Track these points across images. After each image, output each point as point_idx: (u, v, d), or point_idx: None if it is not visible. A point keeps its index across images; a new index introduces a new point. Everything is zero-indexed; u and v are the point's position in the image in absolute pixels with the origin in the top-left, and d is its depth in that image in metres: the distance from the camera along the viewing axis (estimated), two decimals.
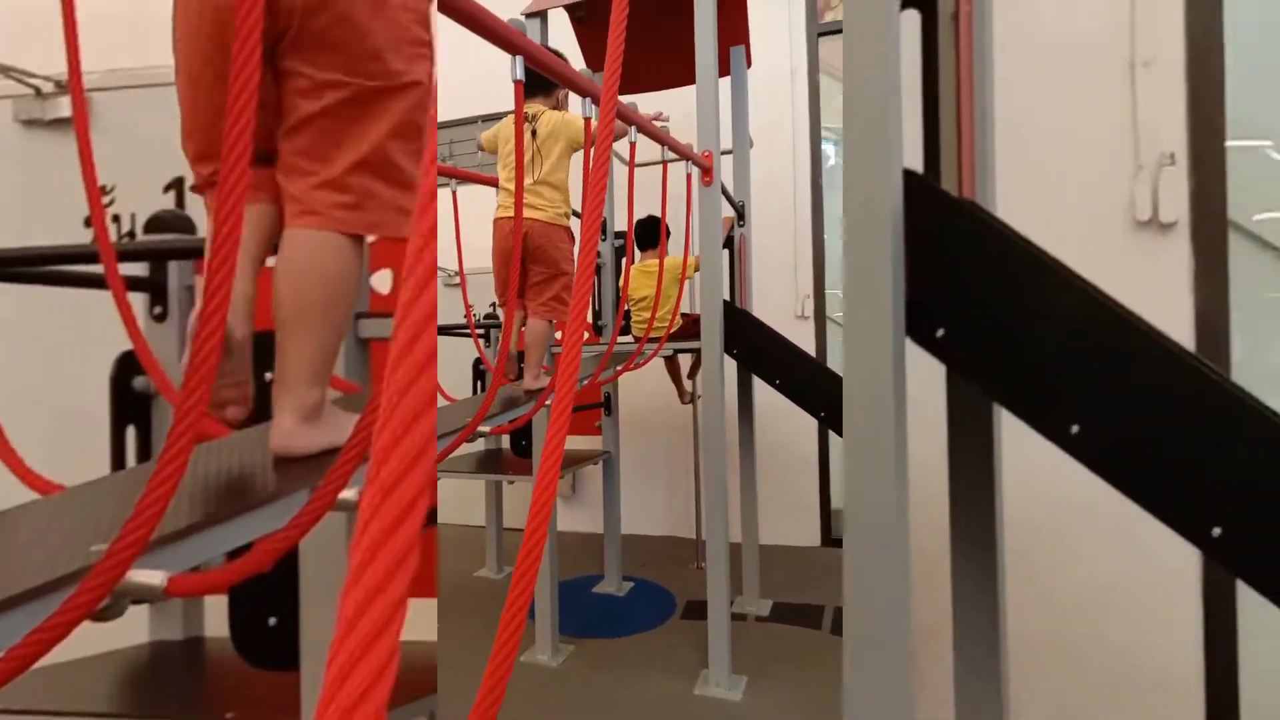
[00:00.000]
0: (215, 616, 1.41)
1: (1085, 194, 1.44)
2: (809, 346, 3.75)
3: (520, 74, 1.13)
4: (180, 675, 1.27)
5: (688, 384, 3.47)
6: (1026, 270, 0.71)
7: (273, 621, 1.03)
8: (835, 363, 3.89)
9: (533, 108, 1.98)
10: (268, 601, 1.03)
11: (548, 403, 1.87)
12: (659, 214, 2.36)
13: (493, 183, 2.20)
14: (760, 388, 2.85)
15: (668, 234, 2.68)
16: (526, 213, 1.85)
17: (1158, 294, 1.39)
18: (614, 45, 0.62)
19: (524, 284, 1.92)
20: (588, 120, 1.55)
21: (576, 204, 2.04)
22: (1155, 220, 1.39)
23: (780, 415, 3.29)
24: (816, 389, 2.55)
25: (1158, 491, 0.66)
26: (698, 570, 3.36)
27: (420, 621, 1.16)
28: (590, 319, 3.00)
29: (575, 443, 3.47)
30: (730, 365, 2.50)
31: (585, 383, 1.93)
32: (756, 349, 2.58)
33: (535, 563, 0.46)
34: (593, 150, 0.71)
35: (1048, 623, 1.48)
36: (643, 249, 2.95)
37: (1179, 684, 1.39)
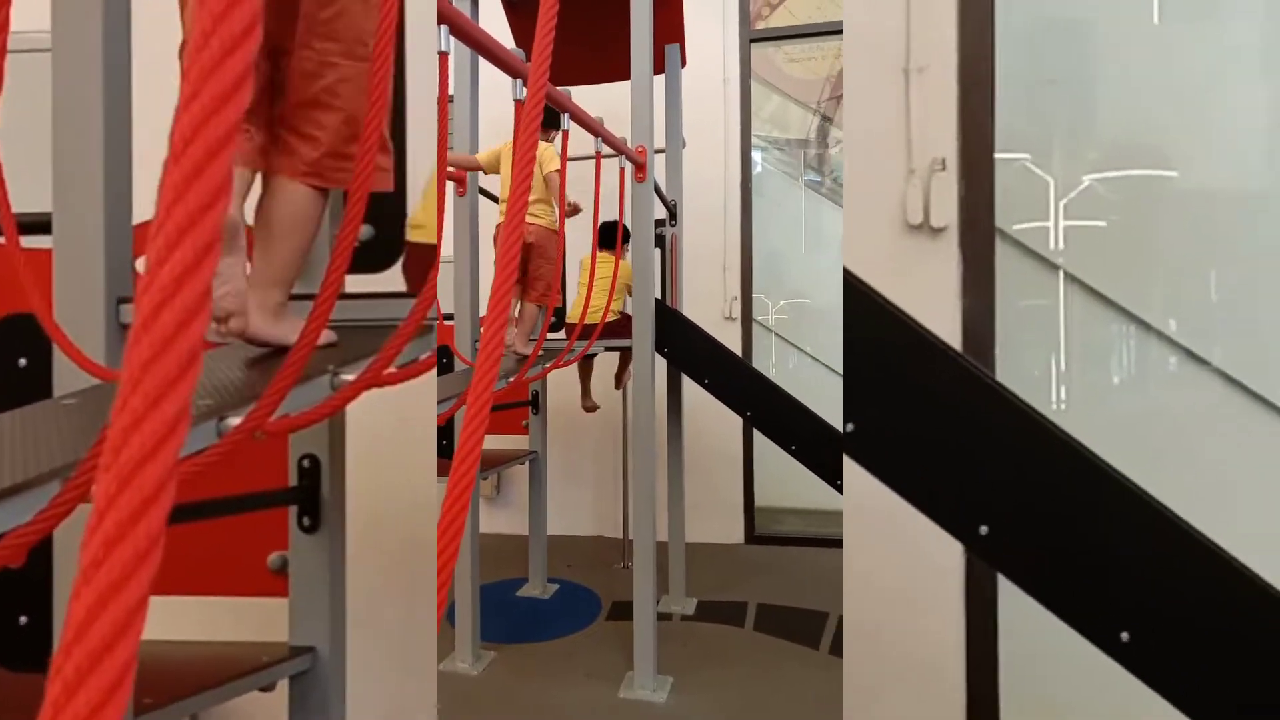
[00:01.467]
0: None
1: (860, 197, 1.46)
2: (736, 348, 3.82)
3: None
4: None
5: (594, 395, 3.44)
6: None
7: (24, 620, 0.98)
8: (761, 364, 3.97)
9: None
10: (18, 598, 0.97)
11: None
12: (591, 211, 2.32)
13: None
14: (686, 386, 2.86)
15: (626, 237, 2.66)
16: (530, 220, 2.40)
17: (928, 297, 1.40)
18: (543, 27, 0.58)
19: (521, 277, 2.42)
20: (518, 104, 1.49)
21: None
22: (926, 225, 1.39)
23: (707, 414, 3.33)
24: (743, 389, 2.59)
25: (931, 493, 0.68)
26: (624, 570, 3.34)
27: (197, 621, 1.11)
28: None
29: (501, 442, 3.37)
30: (659, 364, 2.50)
31: (514, 378, 1.87)
32: (687, 348, 2.59)
33: (449, 572, 0.42)
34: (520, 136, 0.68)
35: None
36: (601, 248, 2.91)
37: (944, 671, 1.43)
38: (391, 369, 0.70)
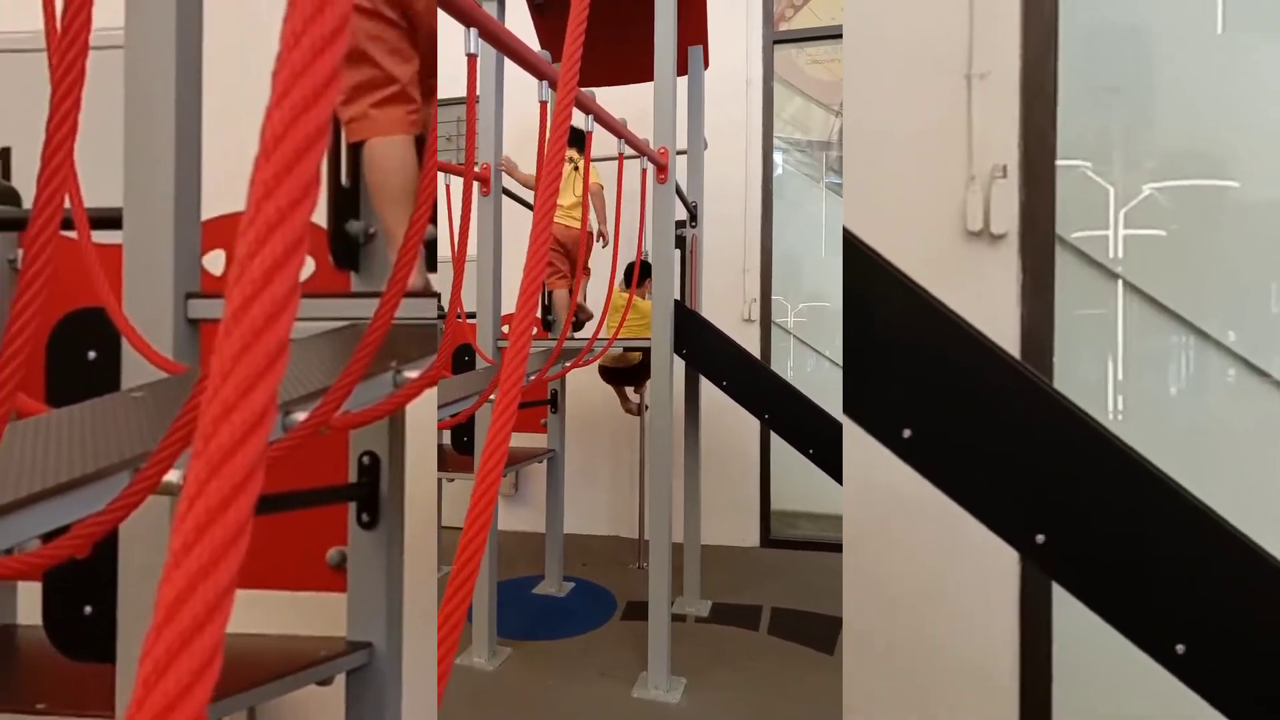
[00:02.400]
0: (29, 603, 1.30)
1: (920, 203, 1.45)
2: (754, 350, 3.80)
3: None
4: None
5: (633, 396, 3.46)
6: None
7: (89, 610, 0.99)
8: (779, 366, 3.96)
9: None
10: (84, 589, 0.98)
11: (492, 397, 1.81)
12: (613, 211, 2.33)
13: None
14: (704, 388, 2.86)
15: (646, 272, 2.73)
16: (567, 223, 2.83)
17: (987, 304, 1.40)
18: (573, 32, 0.59)
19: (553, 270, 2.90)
20: (543, 104, 1.50)
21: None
22: (986, 231, 1.39)
23: (724, 416, 3.32)
24: (762, 391, 2.58)
25: (987, 499, 0.68)
26: (639, 570, 3.35)
27: (257, 614, 1.11)
28: (540, 314, 2.94)
29: (519, 440, 3.40)
30: (678, 365, 2.50)
31: (533, 378, 1.88)
32: (705, 350, 2.59)
33: (474, 566, 0.43)
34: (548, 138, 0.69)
35: (880, 616, 1.50)
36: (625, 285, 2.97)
37: (998, 678, 1.41)
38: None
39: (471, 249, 2.33)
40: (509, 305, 2.45)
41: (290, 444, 0.63)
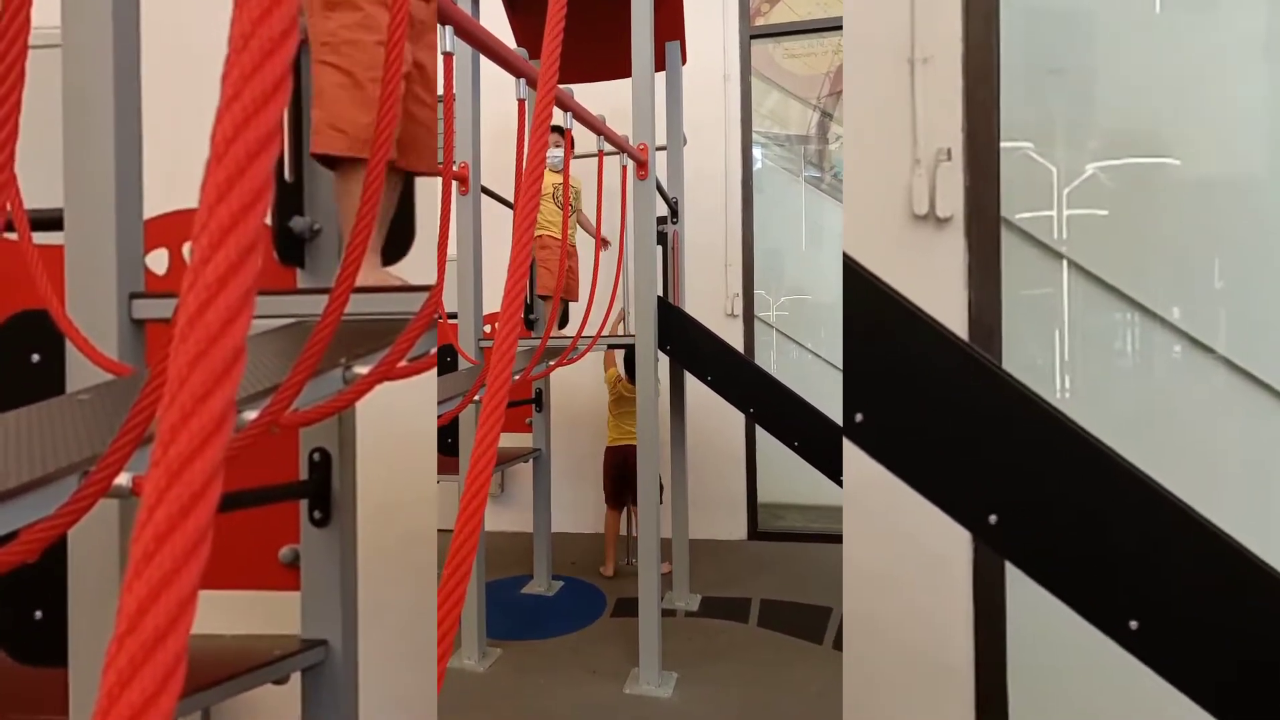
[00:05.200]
0: None
1: (866, 187, 1.46)
2: (738, 344, 3.82)
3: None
4: None
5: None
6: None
7: (39, 615, 0.98)
8: (763, 360, 3.98)
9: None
10: (34, 594, 0.97)
11: (477, 398, 1.80)
12: (594, 208, 2.32)
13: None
14: (689, 384, 2.86)
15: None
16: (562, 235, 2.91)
17: (934, 287, 1.40)
18: (552, 28, 0.58)
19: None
20: (520, 102, 1.49)
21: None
22: (932, 214, 1.39)
23: (709, 410, 3.33)
24: (746, 386, 2.59)
25: (939, 482, 0.68)
26: (628, 566, 3.35)
27: (209, 614, 1.11)
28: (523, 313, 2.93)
29: (505, 440, 3.36)
30: (662, 361, 2.50)
31: (518, 377, 1.87)
32: (689, 345, 2.59)
33: (466, 569, 0.42)
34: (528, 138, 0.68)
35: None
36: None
37: (952, 667, 1.41)
38: (404, 363, 0.71)
39: (451, 249, 2.31)
40: (490, 305, 2.43)
41: (241, 444, 0.62)
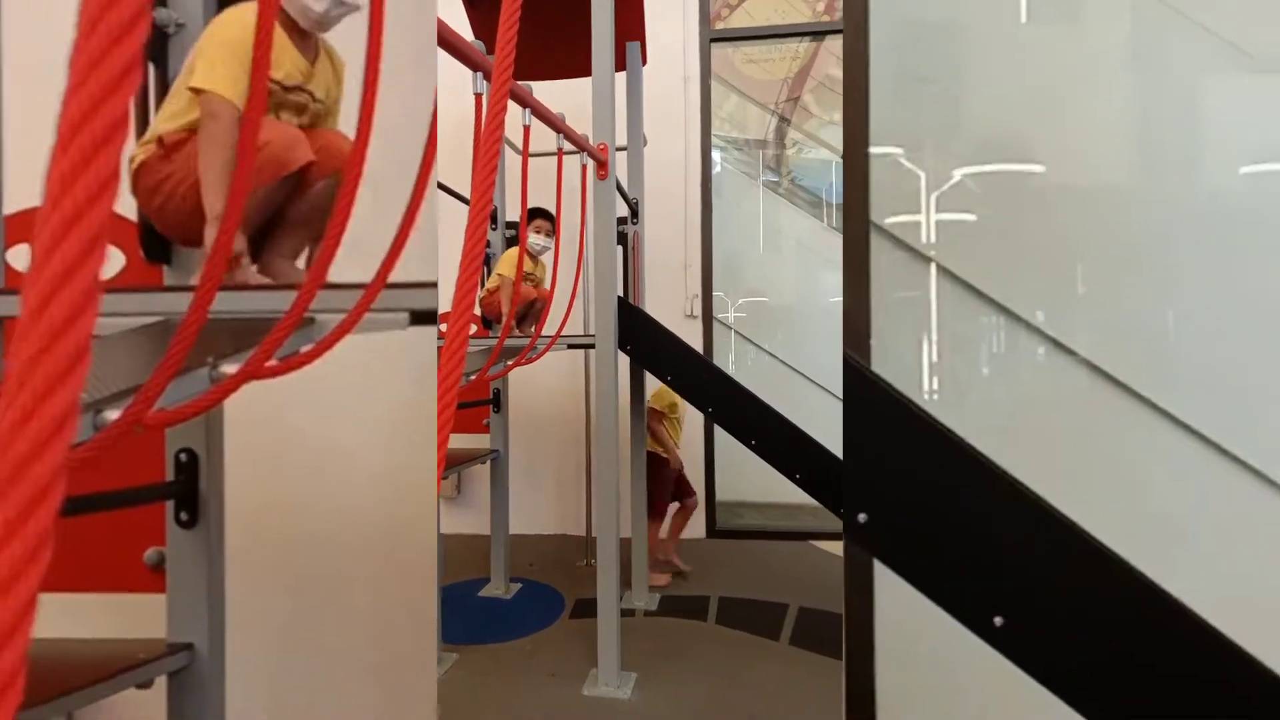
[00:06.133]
0: None
1: None
2: (697, 345, 3.85)
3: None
4: None
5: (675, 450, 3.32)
6: None
7: None
8: (721, 360, 4.02)
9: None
10: None
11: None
12: (553, 208, 2.31)
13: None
14: (649, 384, 2.87)
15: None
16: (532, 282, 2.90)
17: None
18: (506, 20, 0.58)
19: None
20: (478, 97, 1.47)
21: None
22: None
23: None
24: (705, 385, 2.62)
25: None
26: (588, 568, 3.34)
27: (73, 618, 1.09)
28: (479, 312, 2.88)
29: (462, 441, 3.32)
30: (622, 362, 2.50)
31: (474, 377, 1.85)
32: (649, 346, 2.60)
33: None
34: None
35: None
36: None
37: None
38: (272, 361, 0.69)
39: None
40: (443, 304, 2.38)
41: (103, 443, 0.59)
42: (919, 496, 0.67)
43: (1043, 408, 1.18)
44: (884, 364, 1.37)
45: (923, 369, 1.16)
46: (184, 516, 1.05)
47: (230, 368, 0.70)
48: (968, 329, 1.19)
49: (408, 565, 1.43)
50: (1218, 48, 1.15)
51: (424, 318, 0.82)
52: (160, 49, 1.04)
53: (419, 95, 0.99)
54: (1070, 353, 1.15)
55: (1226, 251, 1.16)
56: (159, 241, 1.06)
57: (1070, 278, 1.21)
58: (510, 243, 2.91)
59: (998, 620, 0.67)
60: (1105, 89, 1.25)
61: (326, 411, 1.40)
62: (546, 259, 2.91)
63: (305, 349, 0.77)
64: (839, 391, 0.92)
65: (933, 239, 1.22)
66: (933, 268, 1.20)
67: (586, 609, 2.70)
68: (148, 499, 1.07)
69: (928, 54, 1.23)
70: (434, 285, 1.01)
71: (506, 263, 2.76)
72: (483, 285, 2.88)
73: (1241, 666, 0.64)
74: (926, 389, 1.16)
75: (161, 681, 1.04)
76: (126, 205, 1.05)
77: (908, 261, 1.32)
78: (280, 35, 0.99)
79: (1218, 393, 1.12)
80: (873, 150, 1.40)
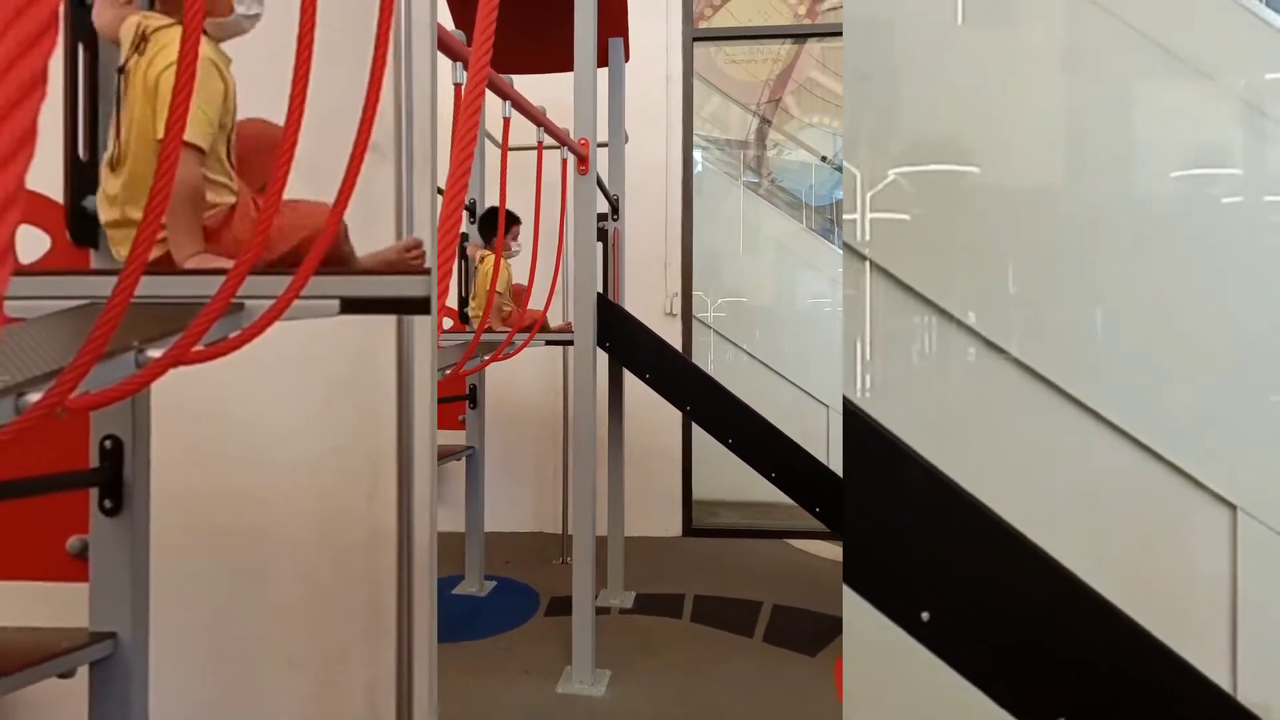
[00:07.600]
0: None
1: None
2: (676, 343, 3.85)
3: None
4: None
5: None
6: None
7: None
8: (700, 359, 4.03)
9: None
10: None
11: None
12: (533, 202, 2.29)
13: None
14: (627, 381, 2.87)
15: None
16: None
17: None
18: (484, 13, 0.57)
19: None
20: (457, 87, 1.45)
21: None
22: None
23: (647, 408, 3.34)
24: (684, 384, 2.62)
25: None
26: (563, 565, 3.32)
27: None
28: (456, 305, 2.85)
29: (438, 437, 3.28)
30: (601, 359, 2.49)
31: (449, 371, 1.83)
32: (629, 343, 2.60)
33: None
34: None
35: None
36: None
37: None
38: (199, 347, 0.67)
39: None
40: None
41: (22, 427, 0.57)
42: (851, 493, 0.67)
43: (972, 404, 1.19)
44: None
45: (856, 366, 1.17)
46: (108, 504, 1.03)
47: (156, 352, 0.68)
48: (900, 327, 1.20)
49: (340, 554, 1.41)
50: (1151, 52, 1.17)
51: (357, 306, 0.81)
52: (90, 32, 1.00)
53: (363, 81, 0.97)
54: (1001, 351, 1.16)
55: (1155, 253, 1.19)
56: (86, 224, 1.04)
57: (1002, 278, 1.22)
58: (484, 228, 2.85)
59: (924, 615, 0.68)
60: (1038, 91, 1.26)
61: (257, 397, 1.37)
62: (518, 261, 2.90)
63: (233, 335, 0.76)
64: (816, 392, 0.92)
65: (867, 237, 1.22)
66: (867, 265, 1.21)
67: (562, 607, 2.69)
68: (71, 485, 1.05)
69: (863, 51, 1.23)
70: (367, 272, 0.99)
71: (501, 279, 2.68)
72: (463, 282, 2.84)
73: (1157, 654, 0.66)
74: (859, 387, 1.16)
75: (84, 671, 1.02)
76: (54, 187, 1.02)
77: (845, 259, 1.33)
78: (219, 60, 0.96)
79: (1139, 389, 1.14)
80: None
